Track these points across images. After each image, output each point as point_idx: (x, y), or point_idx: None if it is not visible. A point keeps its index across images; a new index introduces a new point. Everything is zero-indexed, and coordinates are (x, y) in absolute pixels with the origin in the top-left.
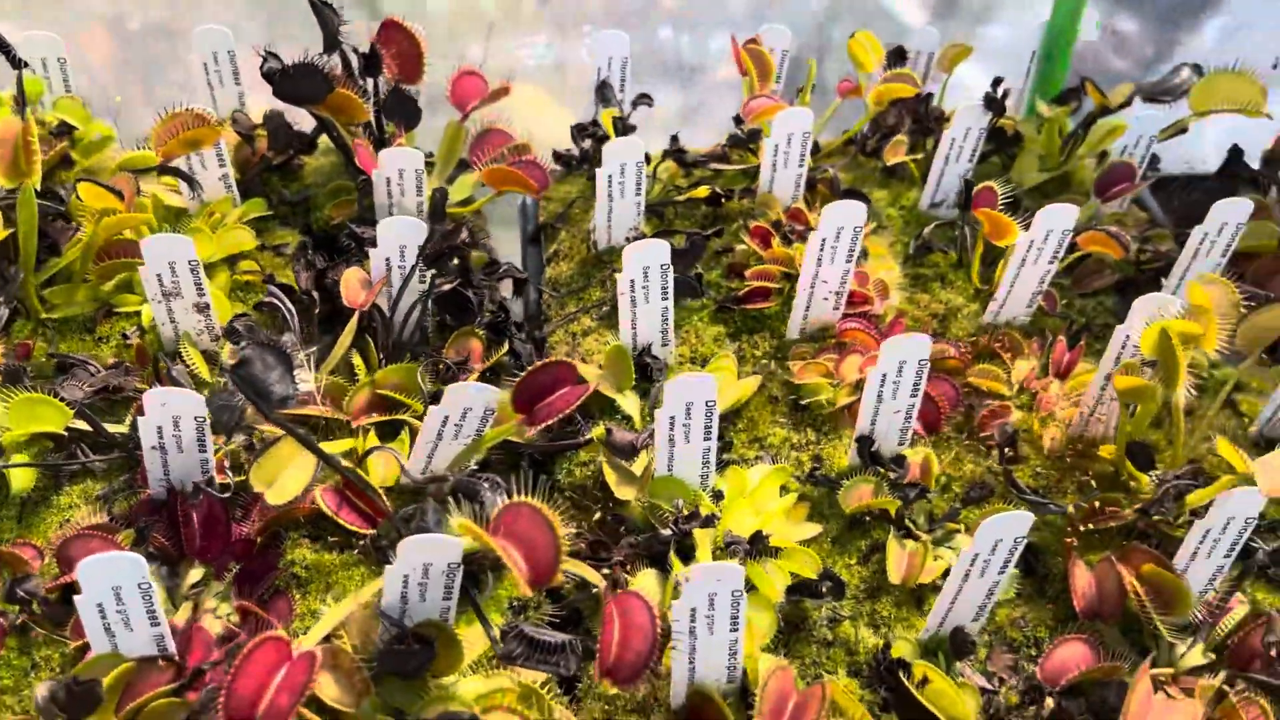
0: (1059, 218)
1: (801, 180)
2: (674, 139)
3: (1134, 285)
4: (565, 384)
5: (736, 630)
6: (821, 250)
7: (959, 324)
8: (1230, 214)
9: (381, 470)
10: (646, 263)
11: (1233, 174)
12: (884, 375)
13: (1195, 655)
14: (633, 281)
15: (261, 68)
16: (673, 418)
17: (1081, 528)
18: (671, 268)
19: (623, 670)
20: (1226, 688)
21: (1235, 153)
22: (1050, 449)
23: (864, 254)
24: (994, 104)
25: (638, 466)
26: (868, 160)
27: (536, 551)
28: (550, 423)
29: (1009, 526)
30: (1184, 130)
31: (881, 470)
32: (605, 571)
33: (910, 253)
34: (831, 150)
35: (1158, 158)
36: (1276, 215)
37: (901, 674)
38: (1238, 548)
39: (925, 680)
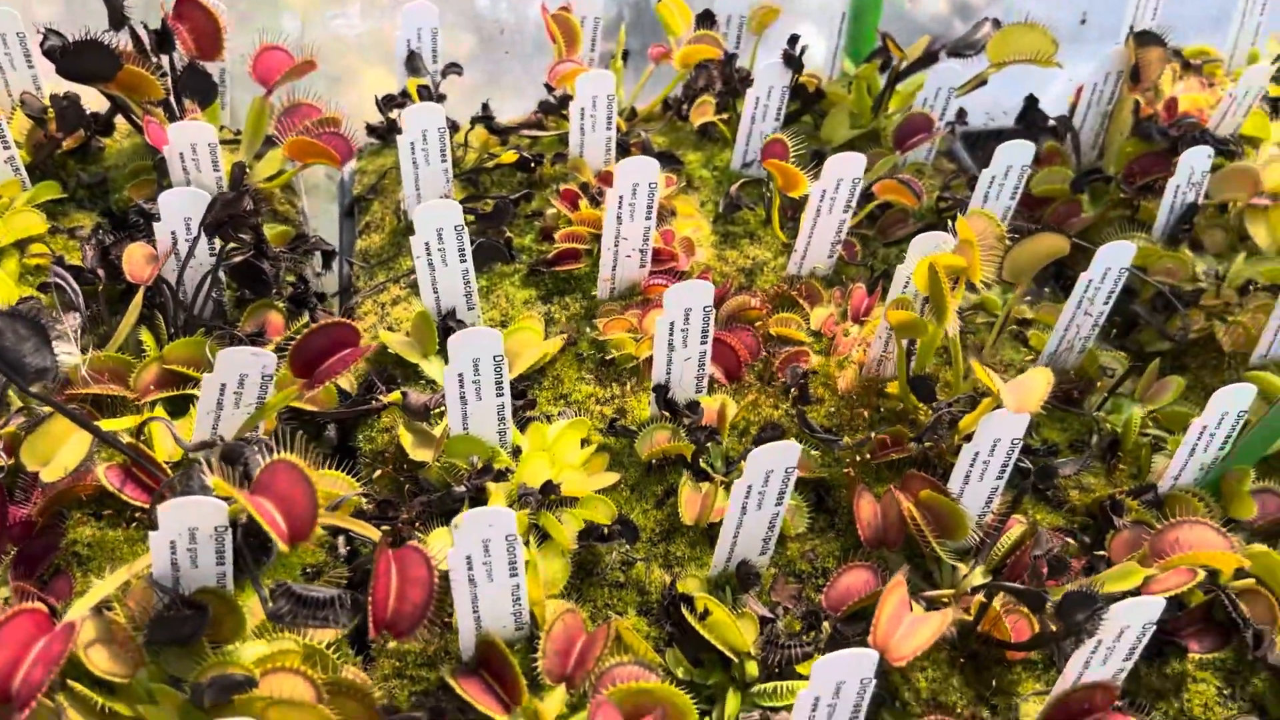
0: (847, 166)
1: (611, 143)
2: (484, 106)
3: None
4: (345, 345)
5: (516, 576)
6: (620, 208)
7: (765, 277)
8: (1014, 157)
9: (169, 445)
10: (439, 224)
11: (1031, 122)
12: (671, 324)
13: (976, 576)
14: (427, 244)
15: (42, 45)
16: (461, 375)
17: (872, 461)
18: (465, 229)
19: (402, 622)
20: (987, 598)
21: (1030, 101)
22: (845, 390)
23: (672, 213)
24: (792, 61)
25: (438, 429)
26: (684, 124)
27: (294, 508)
28: (329, 383)
29: (778, 457)
30: (984, 82)
31: (678, 417)
32: (386, 529)
33: (720, 211)
34: (649, 115)
35: (964, 111)
36: (1071, 162)
37: (684, 608)
38: (1007, 469)
39: (706, 613)
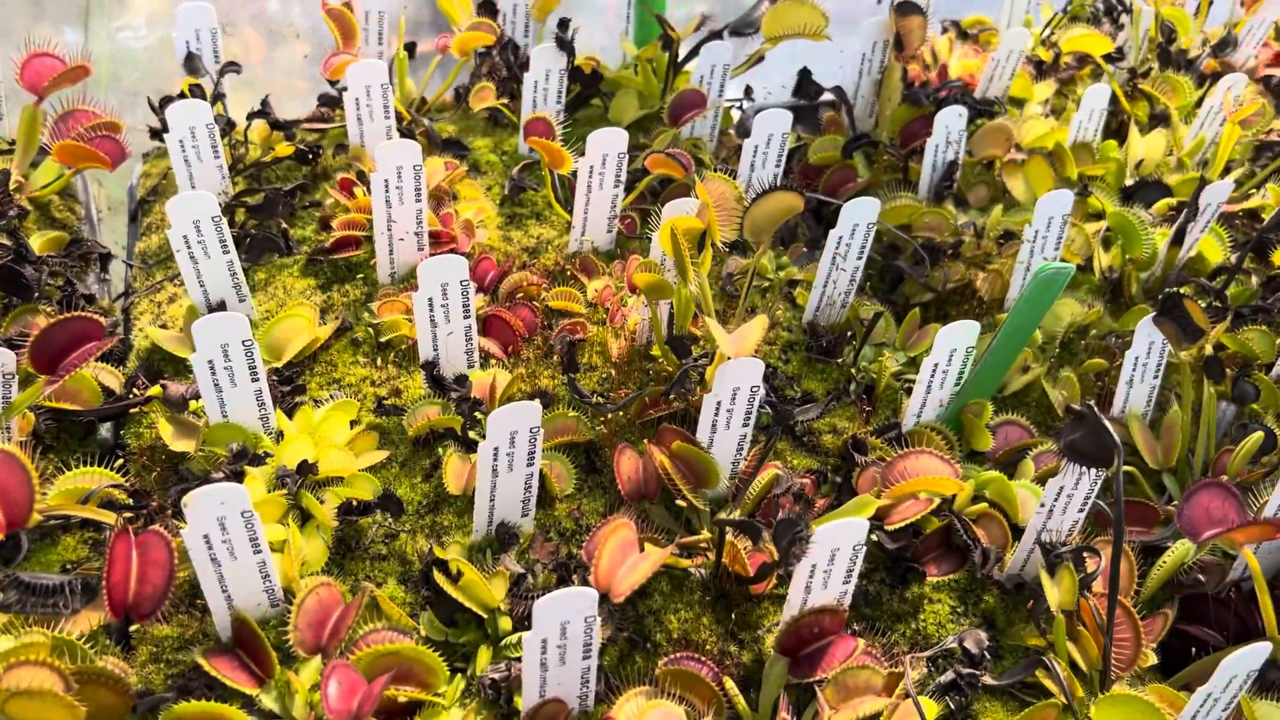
0: (610, 142)
1: (391, 131)
2: (263, 102)
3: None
4: (89, 339)
5: (260, 552)
6: (387, 192)
7: (549, 255)
8: (774, 125)
9: None
10: (195, 216)
11: (807, 94)
12: (429, 299)
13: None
14: (186, 237)
15: None
16: (210, 361)
17: (636, 421)
18: (224, 220)
19: (144, 604)
20: (717, 536)
21: (804, 74)
22: (617, 357)
23: (454, 196)
24: (564, 44)
25: (203, 420)
26: (476, 112)
27: (10, 495)
28: (93, 381)
29: (520, 417)
30: (762, 58)
31: (446, 392)
32: (127, 515)
33: (506, 194)
34: (441, 105)
35: (750, 88)
36: (847, 131)
37: (439, 572)
38: (752, 416)
39: (460, 574)
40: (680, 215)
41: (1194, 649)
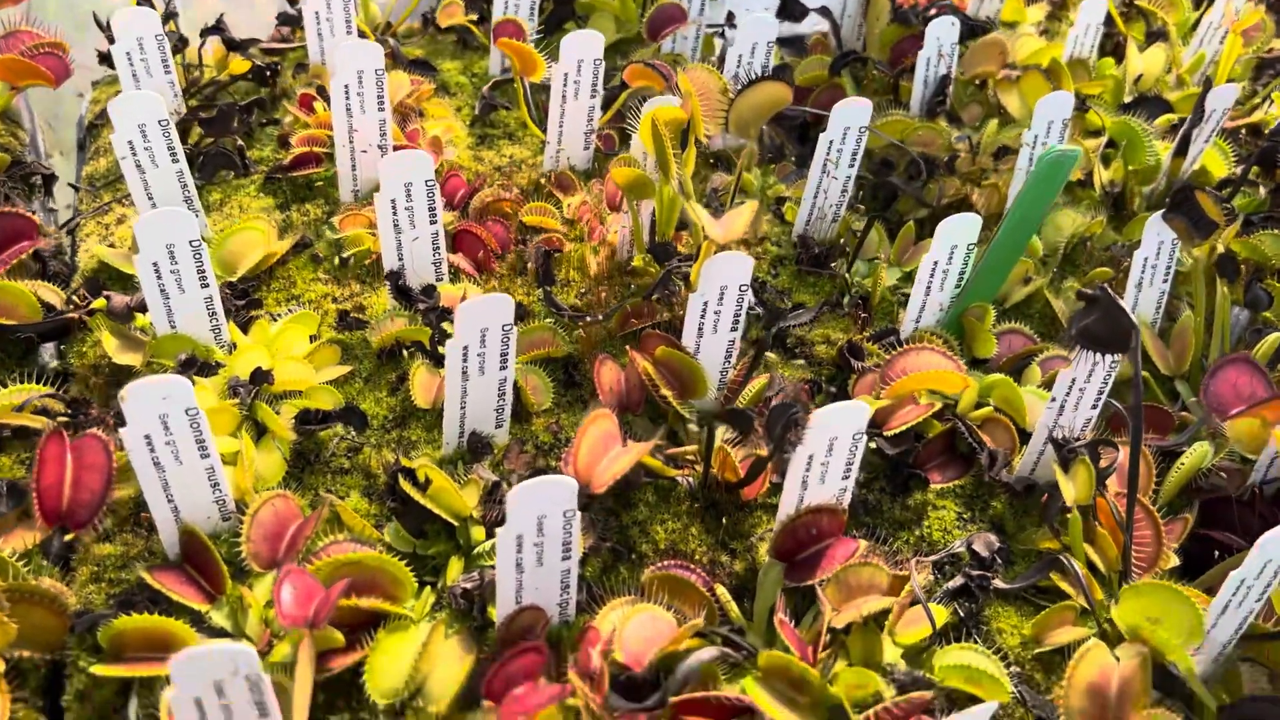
0: (585, 46)
1: None
2: (218, 20)
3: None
4: (22, 238)
5: (208, 456)
6: (347, 98)
7: (523, 174)
8: (759, 33)
9: None
10: (140, 120)
11: (791, 15)
12: (392, 201)
13: (720, 432)
14: (131, 143)
15: None
16: (156, 264)
17: (619, 334)
18: (172, 123)
19: (80, 511)
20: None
21: None
22: (597, 272)
23: (420, 114)
24: None
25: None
26: (445, 36)
27: None
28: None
29: (491, 312)
30: None
31: (413, 303)
32: (61, 420)
33: (477, 114)
34: (409, 31)
35: (732, 14)
36: (834, 51)
37: (407, 481)
38: (740, 318)
39: (429, 483)
40: (665, 105)
41: (1216, 553)
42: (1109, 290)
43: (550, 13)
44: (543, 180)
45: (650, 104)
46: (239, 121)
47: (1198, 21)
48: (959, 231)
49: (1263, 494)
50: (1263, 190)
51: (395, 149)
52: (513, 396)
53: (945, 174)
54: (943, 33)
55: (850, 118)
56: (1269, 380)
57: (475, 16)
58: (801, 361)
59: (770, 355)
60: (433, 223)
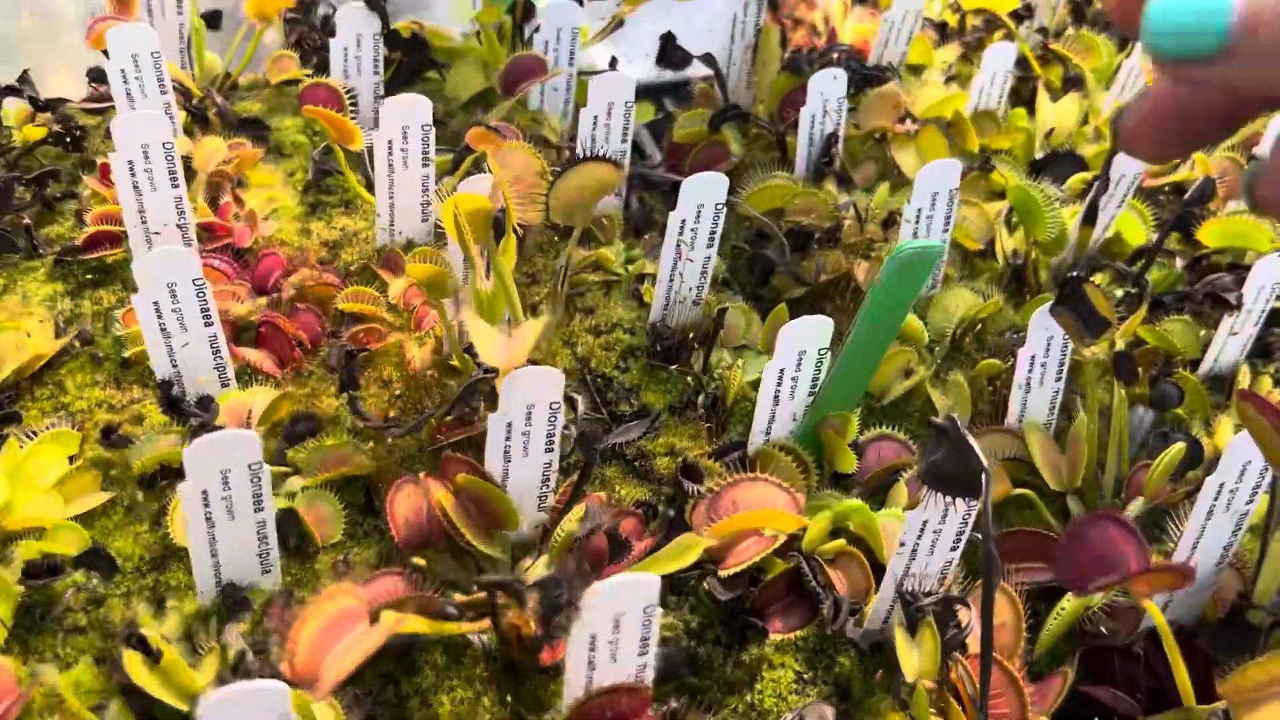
0: (410, 112)
1: (171, 109)
2: (22, 75)
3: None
4: None
5: None
6: (133, 175)
7: (355, 248)
8: (613, 93)
9: None
10: None
11: (672, 62)
12: (155, 304)
13: (538, 568)
14: None
15: None
16: None
17: (429, 448)
18: None
19: None
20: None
21: (667, 39)
22: (417, 369)
23: (239, 183)
24: (375, 5)
25: None
26: (289, 88)
27: None
28: None
29: (230, 451)
30: (621, 23)
31: (185, 418)
32: None
33: (310, 179)
34: (256, 83)
35: (615, 59)
36: (720, 102)
37: (130, 652)
38: (554, 439)
39: (159, 654)
40: (467, 193)
41: (1097, 718)
42: (957, 423)
43: (400, 64)
44: (368, 261)
45: (467, 184)
46: (32, 195)
47: (1119, 67)
48: (807, 335)
49: (1156, 640)
50: (1179, 263)
51: (203, 227)
52: (290, 530)
53: (826, 246)
54: (827, 87)
55: (704, 193)
56: (1139, 541)
57: (310, 70)
58: (639, 477)
59: (608, 470)
60: (207, 325)
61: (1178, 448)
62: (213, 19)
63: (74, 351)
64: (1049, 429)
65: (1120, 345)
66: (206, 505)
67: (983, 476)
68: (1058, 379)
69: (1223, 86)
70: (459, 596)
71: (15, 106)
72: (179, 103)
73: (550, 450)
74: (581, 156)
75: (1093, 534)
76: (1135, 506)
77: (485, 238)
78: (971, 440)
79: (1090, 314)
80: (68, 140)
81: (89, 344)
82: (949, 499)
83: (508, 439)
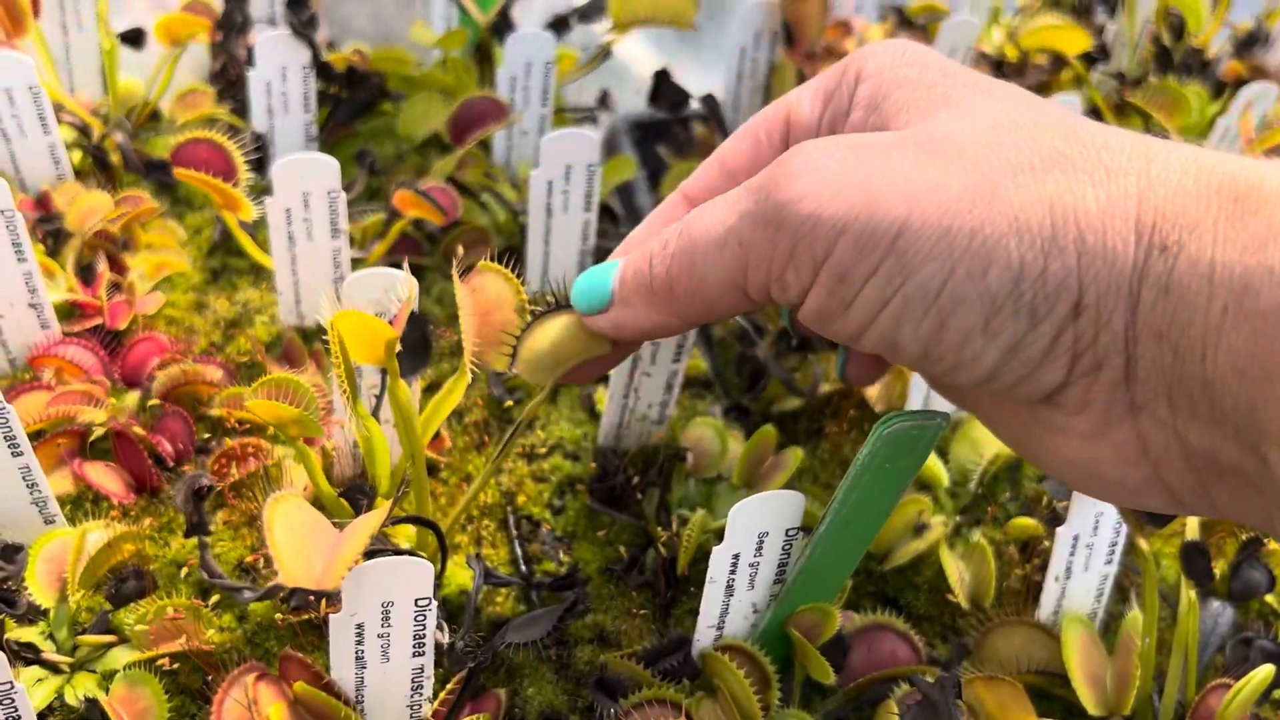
0: (313, 175)
1: (57, 150)
2: None
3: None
4: None
5: None
6: None
7: (256, 330)
8: (573, 153)
9: None
10: None
11: (671, 102)
12: None
13: None
14: None
15: None
16: None
17: (289, 620)
18: None
19: None
20: None
21: (660, 76)
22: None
23: (125, 245)
24: (299, 31)
25: None
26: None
27: None
28: None
29: None
30: (609, 54)
31: None
32: None
33: (216, 239)
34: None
35: (607, 93)
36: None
37: None
38: (426, 641)
39: None
40: (353, 312)
41: None
42: (947, 688)
43: (341, 100)
44: (255, 353)
45: (351, 284)
46: None
47: (1213, 123)
48: (769, 514)
49: None
50: None
51: (72, 305)
52: None
53: (828, 349)
54: None
55: None
56: None
57: (229, 107)
58: (557, 672)
59: (517, 656)
60: (15, 455)
61: (1267, 671)
62: (134, 38)
63: None
64: (1094, 620)
65: (1193, 525)
66: None
67: None
68: (1108, 562)
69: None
70: None
71: None
72: (78, 142)
73: (420, 654)
74: (559, 305)
75: None
76: None
77: (383, 361)
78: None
79: None
80: None
81: None
82: None
83: (359, 643)
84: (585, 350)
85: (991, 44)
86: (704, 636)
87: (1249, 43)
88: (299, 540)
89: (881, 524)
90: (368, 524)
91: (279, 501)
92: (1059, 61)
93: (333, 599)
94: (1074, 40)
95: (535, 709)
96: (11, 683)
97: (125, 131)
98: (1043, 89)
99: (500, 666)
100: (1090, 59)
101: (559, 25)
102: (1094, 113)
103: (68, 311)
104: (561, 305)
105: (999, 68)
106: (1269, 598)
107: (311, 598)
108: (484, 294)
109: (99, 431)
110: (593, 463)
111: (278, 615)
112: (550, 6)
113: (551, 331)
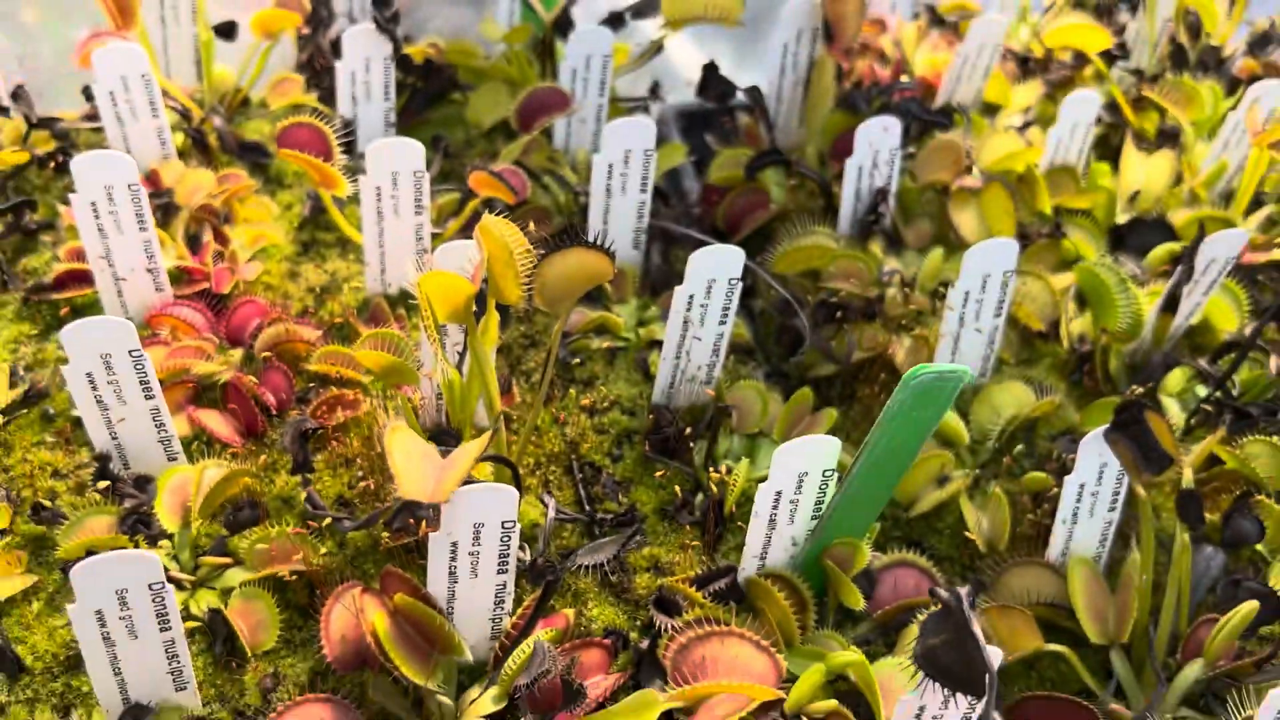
0: (397, 155)
1: (164, 133)
2: (15, 90)
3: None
4: None
5: None
6: (97, 217)
7: (344, 297)
8: (632, 139)
9: None
10: None
11: (719, 94)
12: (88, 374)
13: (485, 703)
14: None
15: None
16: None
17: (380, 549)
18: None
19: None
20: None
21: (709, 70)
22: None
23: (226, 219)
24: (384, 27)
25: None
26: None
27: None
28: None
29: (126, 569)
30: (661, 48)
31: (122, 498)
32: None
33: (306, 214)
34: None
35: (658, 84)
36: (765, 141)
37: None
38: (509, 559)
39: None
40: (439, 272)
41: None
42: (963, 604)
43: (415, 90)
44: (348, 315)
45: (445, 251)
46: (7, 225)
47: (1224, 119)
48: (808, 456)
49: None
50: (1275, 361)
51: (180, 270)
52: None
53: (864, 320)
54: (876, 138)
55: (716, 268)
56: None
57: (316, 95)
58: (617, 597)
59: (581, 581)
60: (148, 398)
61: (1250, 606)
62: (227, 30)
63: (26, 405)
64: (1099, 562)
65: (1188, 476)
66: (103, 625)
67: (985, 679)
68: (1111, 509)
69: None
70: None
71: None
72: (179, 125)
73: (504, 571)
74: (565, 241)
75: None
76: (1192, 670)
77: (463, 318)
78: (977, 630)
79: (1151, 445)
80: (54, 162)
81: (43, 398)
82: (948, 692)
83: (453, 559)
84: (592, 281)
85: (1019, 41)
86: (749, 565)
87: (1263, 42)
88: (414, 463)
89: (907, 467)
90: (472, 450)
91: (395, 431)
92: (1081, 58)
93: (430, 522)
94: (1095, 39)
95: (599, 627)
96: (163, 582)
97: (221, 116)
98: (1065, 84)
99: (568, 591)
100: (1111, 56)
101: (614, 21)
102: (1112, 107)
103: (176, 277)
104: (557, 247)
105: (1024, 63)
106: (1259, 546)
107: (411, 520)
108: (498, 239)
109: (220, 379)
110: (650, 415)
111: (383, 535)
112: (604, 4)
113: (558, 267)
